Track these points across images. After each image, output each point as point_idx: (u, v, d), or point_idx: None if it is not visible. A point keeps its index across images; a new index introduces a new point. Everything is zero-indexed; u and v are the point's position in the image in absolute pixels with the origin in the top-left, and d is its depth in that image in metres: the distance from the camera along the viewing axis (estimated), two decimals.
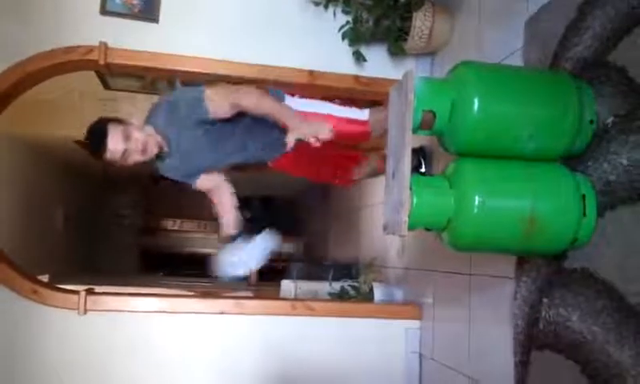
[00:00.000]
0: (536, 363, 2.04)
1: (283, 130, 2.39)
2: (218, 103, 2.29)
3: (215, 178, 2.54)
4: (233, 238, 2.52)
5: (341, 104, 2.69)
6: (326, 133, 2.30)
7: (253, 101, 2.31)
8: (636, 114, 1.66)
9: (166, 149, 2.34)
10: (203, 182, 2.53)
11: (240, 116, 2.36)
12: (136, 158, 2.26)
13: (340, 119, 2.60)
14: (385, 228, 1.85)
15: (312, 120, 2.40)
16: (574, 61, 1.94)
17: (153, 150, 2.29)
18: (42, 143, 5.86)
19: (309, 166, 2.84)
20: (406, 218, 1.70)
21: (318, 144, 2.30)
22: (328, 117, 2.56)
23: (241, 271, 2.53)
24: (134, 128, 2.27)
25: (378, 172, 2.78)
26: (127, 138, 2.22)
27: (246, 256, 2.51)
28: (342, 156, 2.91)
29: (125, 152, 2.22)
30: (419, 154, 3.05)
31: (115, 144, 2.20)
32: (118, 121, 2.27)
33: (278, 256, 2.76)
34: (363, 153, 2.95)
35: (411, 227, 1.76)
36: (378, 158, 2.81)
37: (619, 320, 1.64)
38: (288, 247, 8.64)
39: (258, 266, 2.55)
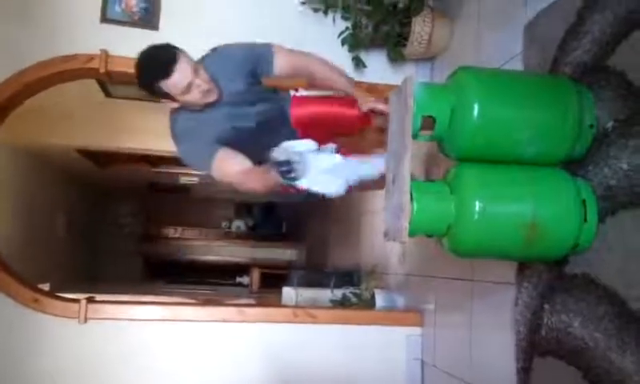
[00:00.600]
0: (538, 369, 2.02)
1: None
2: (287, 59, 2.20)
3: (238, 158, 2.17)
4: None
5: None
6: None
7: (319, 68, 2.26)
8: (636, 119, 1.65)
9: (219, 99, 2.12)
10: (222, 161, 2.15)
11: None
12: (196, 96, 2.03)
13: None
14: (385, 234, 1.85)
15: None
16: (573, 65, 1.94)
17: (213, 96, 2.08)
18: (43, 151, 5.88)
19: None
20: (406, 224, 1.69)
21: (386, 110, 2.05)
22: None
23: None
24: (202, 67, 2.06)
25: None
26: (196, 71, 2.00)
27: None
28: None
29: (189, 86, 1.99)
30: None
31: (184, 73, 1.97)
32: (183, 52, 2.04)
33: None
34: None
35: (412, 234, 1.75)
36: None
37: (621, 326, 1.63)
38: (289, 254, 8.65)
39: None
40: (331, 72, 2.31)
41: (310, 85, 2.39)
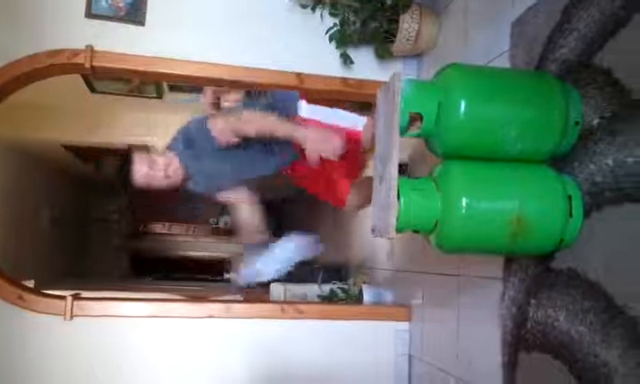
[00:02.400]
0: (524, 364, 2.04)
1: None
2: (223, 133, 2.39)
3: (237, 194, 2.61)
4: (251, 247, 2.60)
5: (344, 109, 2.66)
6: (337, 144, 2.29)
7: (253, 127, 2.36)
8: (621, 116, 1.67)
9: (187, 173, 2.46)
10: (224, 196, 2.62)
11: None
12: (161, 182, 2.42)
13: (343, 129, 2.53)
14: (373, 231, 1.85)
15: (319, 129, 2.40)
16: (559, 62, 1.95)
17: (177, 175, 2.43)
18: (29, 146, 5.81)
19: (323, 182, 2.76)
20: (393, 221, 1.70)
21: (333, 157, 2.30)
22: (333, 127, 2.50)
23: (263, 278, 2.59)
24: (158, 155, 2.44)
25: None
26: (151, 163, 2.39)
27: (268, 262, 2.57)
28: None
29: (148, 176, 2.39)
30: None
31: (139, 169, 2.38)
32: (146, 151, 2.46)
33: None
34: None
35: (399, 230, 1.76)
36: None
37: (606, 320, 1.65)
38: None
39: (282, 272, 2.61)
40: (265, 128, 2.39)
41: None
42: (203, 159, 2.44)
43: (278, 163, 2.55)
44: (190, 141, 2.43)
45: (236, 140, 2.38)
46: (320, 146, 2.28)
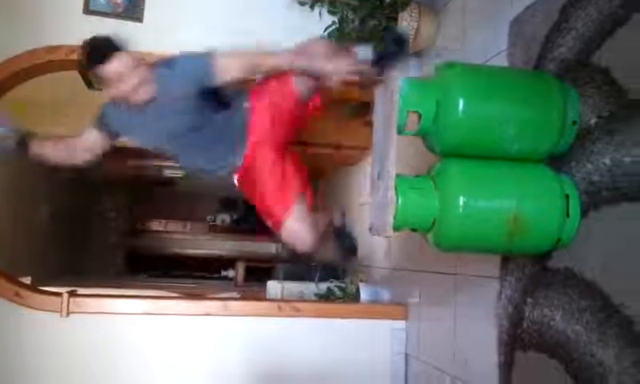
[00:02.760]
0: (520, 363, 2.04)
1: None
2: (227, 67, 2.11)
3: None
4: None
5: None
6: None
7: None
8: (618, 115, 1.67)
9: (151, 101, 2.11)
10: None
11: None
12: (127, 89, 2.04)
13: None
14: (370, 229, 1.85)
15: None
16: (557, 62, 1.95)
17: (145, 95, 2.08)
18: None
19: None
20: (391, 219, 1.70)
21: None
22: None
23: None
24: (145, 63, 2.11)
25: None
26: (136, 66, 2.04)
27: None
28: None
29: (122, 76, 2.02)
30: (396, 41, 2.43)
31: (121, 63, 2.01)
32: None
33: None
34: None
35: (397, 228, 1.76)
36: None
37: (602, 319, 1.65)
38: (275, 247, 8.63)
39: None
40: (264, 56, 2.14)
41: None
42: (171, 106, 2.12)
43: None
44: (174, 77, 2.11)
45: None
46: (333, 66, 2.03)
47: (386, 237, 1.76)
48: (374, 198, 1.85)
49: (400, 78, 1.78)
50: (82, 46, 2.06)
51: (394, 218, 1.71)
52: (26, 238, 6.04)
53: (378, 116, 1.90)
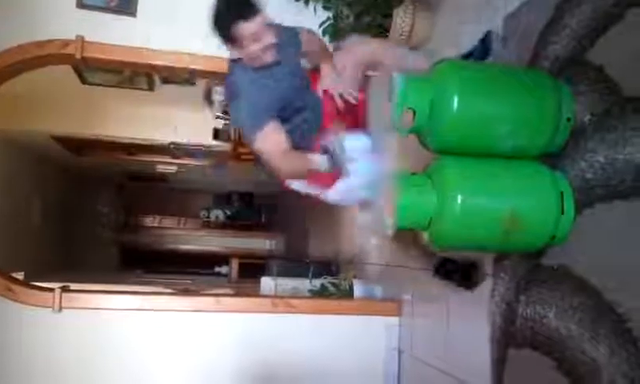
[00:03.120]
0: (513, 359, 2.05)
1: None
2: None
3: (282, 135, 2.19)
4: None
5: None
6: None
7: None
8: (612, 113, 1.67)
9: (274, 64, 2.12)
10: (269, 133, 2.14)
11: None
12: (258, 48, 2.02)
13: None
14: (371, 229, 1.84)
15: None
16: (552, 59, 1.95)
17: (270, 56, 2.07)
18: (19, 138, 5.76)
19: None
20: (392, 216, 1.68)
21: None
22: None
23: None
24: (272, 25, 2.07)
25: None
26: (269, 28, 2.01)
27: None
28: None
29: (259, 36, 1.99)
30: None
31: (261, 23, 1.98)
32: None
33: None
34: None
35: (401, 227, 1.76)
36: None
37: (595, 317, 1.65)
38: (269, 244, 8.63)
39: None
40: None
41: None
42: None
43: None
44: (286, 36, 2.16)
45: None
46: None
47: (387, 236, 1.75)
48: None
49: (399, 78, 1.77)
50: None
51: (397, 216, 1.71)
52: (19, 234, 6.02)
53: (372, 113, 1.90)
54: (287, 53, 2.17)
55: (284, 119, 2.16)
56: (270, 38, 2.01)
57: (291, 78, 2.20)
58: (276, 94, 2.14)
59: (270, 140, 2.10)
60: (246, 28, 1.97)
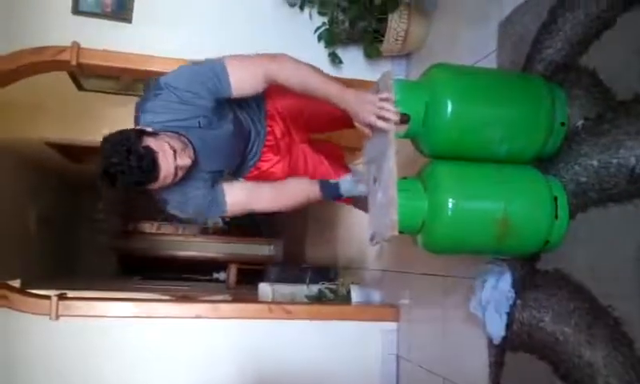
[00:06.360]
0: (510, 364, 2.05)
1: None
2: (245, 77, 1.81)
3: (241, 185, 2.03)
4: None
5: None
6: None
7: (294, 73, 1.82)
8: (606, 117, 1.67)
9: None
10: (231, 196, 1.95)
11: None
12: (180, 176, 1.76)
13: None
14: (372, 238, 1.81)
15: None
16: (546, 63, 1.96)
17: (187, 162, 1.76)
18: (13, 145, 5.76)
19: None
20: (395, 218, 1.65)
21: (385, 126, 1.70)
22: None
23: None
24: (172, 137, 1.72)
25: None
26: (175, 151, 1.69)
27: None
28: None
29: (175, 171, 1.71)
30: None
31: (168, 166, 1.67)
32: (145, 132, 1.70)
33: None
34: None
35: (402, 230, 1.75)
36: None
37: (591, 321, 1.65)
38: (267, 250, 8.62)
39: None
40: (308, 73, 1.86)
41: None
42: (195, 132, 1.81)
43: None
44: (173, 102, 1.77)
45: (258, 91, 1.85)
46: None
47: (389, 239, 1.71)
48: (373, 204, 1.84)
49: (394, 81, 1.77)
50: (111, 163, 1.61)
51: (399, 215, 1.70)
52: (15, 241, 6.00)
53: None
54: (205, 129, 1.82)
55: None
56: (186, 161, 1.72)
57: (225, 145, 1.92)
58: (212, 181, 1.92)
59: (235, 200, 1.94)
60: (159, 182, 1.70)
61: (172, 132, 1.75)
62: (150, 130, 1.72)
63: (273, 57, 1.84)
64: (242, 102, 2.01)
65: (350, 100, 1.75)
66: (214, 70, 1.79)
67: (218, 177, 1.98)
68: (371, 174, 1.85)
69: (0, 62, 2.81)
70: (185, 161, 1.71)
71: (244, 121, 2.06)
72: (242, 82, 1.80)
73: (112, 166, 1.61)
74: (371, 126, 1.74)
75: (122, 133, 1.67)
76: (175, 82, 1.79)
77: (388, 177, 1.70)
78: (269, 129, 2.15)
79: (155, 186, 1.69)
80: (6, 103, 3.79)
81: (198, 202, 1.92)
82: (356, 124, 1.77)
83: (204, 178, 1.90)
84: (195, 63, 1.84)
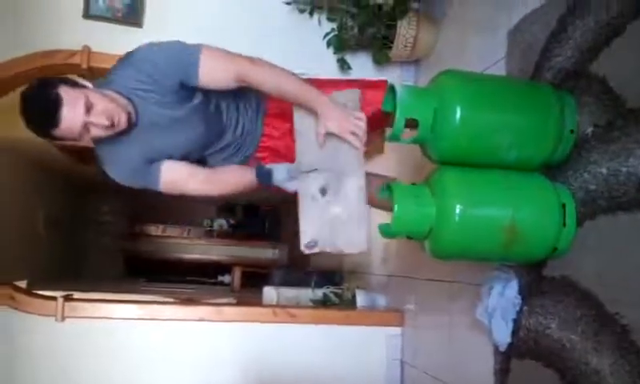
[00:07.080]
0: (516, 371, 2.04)
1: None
2: (216, 70, 1.77)
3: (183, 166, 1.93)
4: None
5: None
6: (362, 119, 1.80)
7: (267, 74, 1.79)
8: (615, 124, 1.68)
9: (134, 119, 1.77)
10: (167, 173, 1.88)
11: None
12: (98, 134, 1.70)
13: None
14: (309, 244, 1.83)
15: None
16: (555, 71, 1.96)
17: (121, 123, 1.71)
18: (21, 146, 5.78)
19: None
20: (365, 236, 1.74)
21: (357, 144, 1.80)
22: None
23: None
24: (97, 94, 1.68)
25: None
26: (89, 107, 1.64)
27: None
28: None
29: (85, 126, 1.66)
30: None
31: (74, 118, 1.63)
32: (70, 82, 1.68)
33: None
34: None
35: (392, 235, 1.77)
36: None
37: (598, 328, 1.65)
38: (271, 253, 8.63)
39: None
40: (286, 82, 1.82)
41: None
42: (151, 107, 1.78)
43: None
44: (143, 72, 1.74)
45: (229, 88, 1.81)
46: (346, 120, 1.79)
47: (361, 251, 1.78)
48: (318, 214, 1.83)
49: (399, 83, 1.79)
50: (21, 106, 1.67)
51: (393, 223, 1.72)
52: (23, 243, 6.03)
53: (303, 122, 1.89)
54: (163, 101, 1.78)
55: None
56: (100, 120, 1.65)
57: (181, 129, 1.85)
58: (149, 147, 1.84)
59: (170, 178, 1.89)
60: (61, 132, 1.65)
61: (125, 96, 1.75)
62: (80, 81, 1.72)
63: (250, 58, 1.81)
64: (237, 97, 2.00)
65: (328, 105, 1.80)
66: (188, 53, 1.76)
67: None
68: (316, 181, 1.84)
69: (12, 65, 2.83)
70: (100, 120, 1.64)
71: (224, 114, 1.98)
72: (212, 73, 1.76)
73: (24, 108, 1.66)
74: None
75: (46, 79, 1.71)
76: (156, 57, 1.77)
77: (356, 194, 1.75)
78: (265, 129, 2.12)
79: (57, 133, 1.65)
80: (16, 104, 3.80)
81: (132, 167, 1.88)
82: (321, 127, 1.81)
83: (144, 149, 1.86)
84: (178, 43, 1.79)
